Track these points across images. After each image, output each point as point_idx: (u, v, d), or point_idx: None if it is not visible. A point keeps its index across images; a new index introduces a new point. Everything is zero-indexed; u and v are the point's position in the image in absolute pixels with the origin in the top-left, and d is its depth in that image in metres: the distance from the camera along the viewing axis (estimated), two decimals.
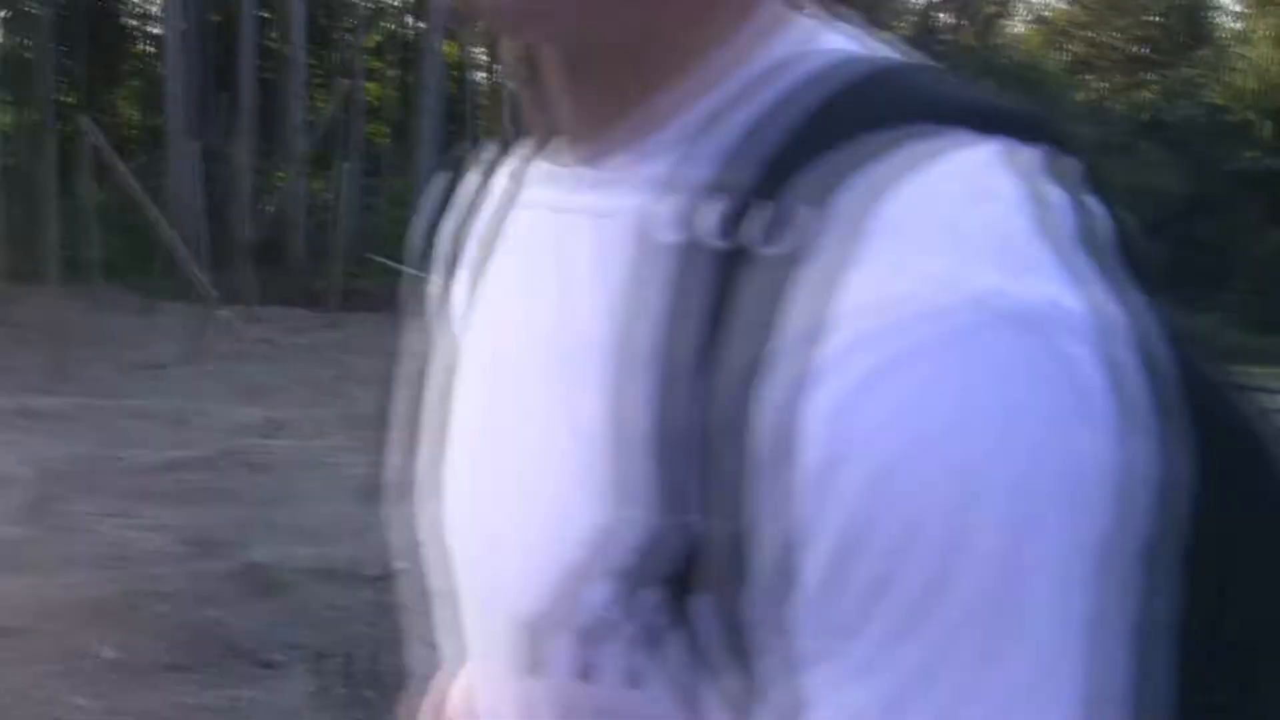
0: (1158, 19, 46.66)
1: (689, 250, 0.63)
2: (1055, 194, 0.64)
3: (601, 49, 0.69)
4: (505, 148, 0.77)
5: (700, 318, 0.60)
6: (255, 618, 6.74)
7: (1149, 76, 45.73)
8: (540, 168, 0.74)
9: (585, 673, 0.65)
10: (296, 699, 5.89)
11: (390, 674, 5.31)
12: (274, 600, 7.00)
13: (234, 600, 7.01)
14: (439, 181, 0.84)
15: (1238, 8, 49.54)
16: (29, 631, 6.40)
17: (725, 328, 0.60)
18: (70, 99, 28.12)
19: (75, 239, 18.25)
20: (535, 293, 0.70)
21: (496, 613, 0.69)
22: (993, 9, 44.96)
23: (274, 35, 29.88)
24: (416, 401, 0.80)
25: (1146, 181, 38.97)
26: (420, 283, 0.83)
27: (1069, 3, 48.96)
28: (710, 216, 0.63)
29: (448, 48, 31.04)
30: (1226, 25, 49.53)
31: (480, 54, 36.24)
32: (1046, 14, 49.85)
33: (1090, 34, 48.16)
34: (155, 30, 32.79)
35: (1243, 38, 47.08)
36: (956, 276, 0.58)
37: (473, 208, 0.80)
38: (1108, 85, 46.61)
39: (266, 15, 29.12)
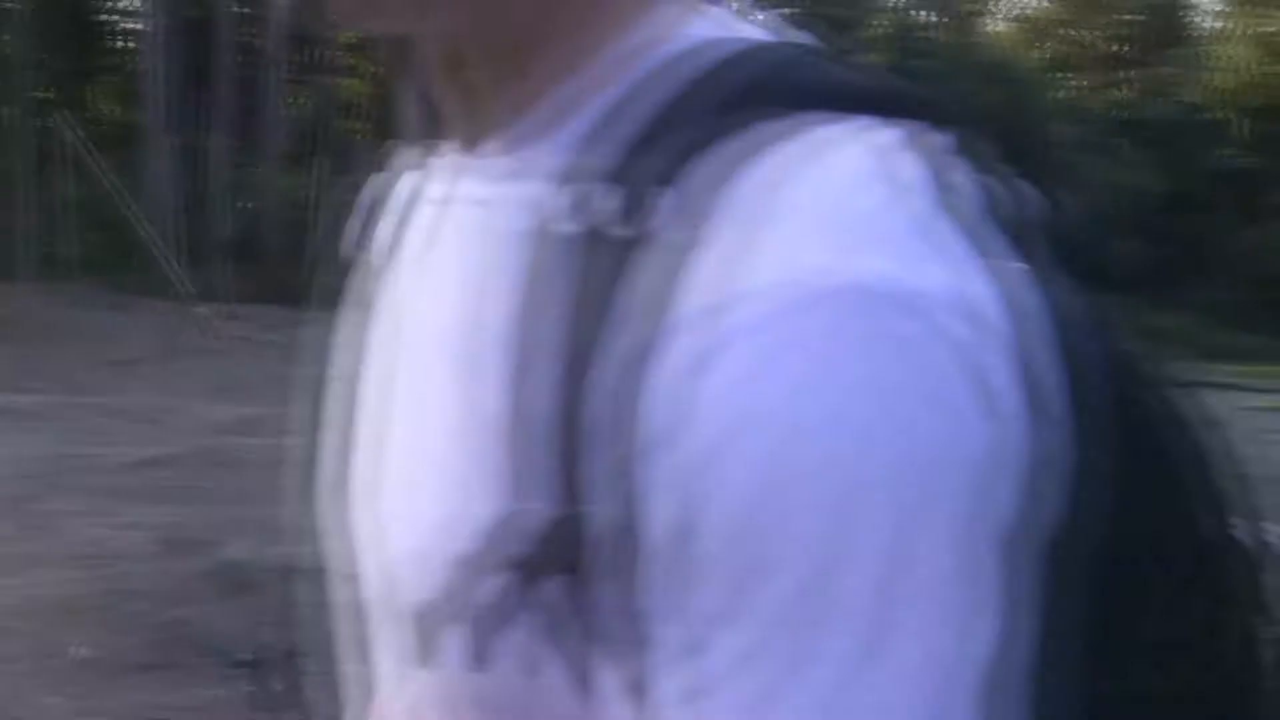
0: (1135, 18, 46.83)
1: (573, 239, 0.63)
2: (910, 172, 0.63)
3: (466, 41, 0.69)
4: (421, 146, 0.77)
5: (588, 306, 0.60)
6: (229, 617, 6.73)
7: (1127, 75, 45.93)
8: (442, 163, 0.75)
9: (480, 663, 0.65)
10: (270, 698, 5.88)
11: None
12: (248, 599, 6.98)
13: (208, 599, 7.00)
14: (368, 179, 0.85)
15: (1215, 7, 49.82)
16: (1, 630, 6.38)
17: (613, 316, 0.59)
18: (47, 94, 28.05)
19: (52, 235, 18.20)
20: (440, 287, 0.71)
21: (394, 606, 0.70)
22: (971, 6, 45.10)
23: (252, 31, 29.87)
24: (339, 399, 0.80)
25: (1124, 179, 39.17)
26: (345, 280, 0.84)
27: (1048, 1, 49.15)
28: (597, 204, 0.63)
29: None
30: (1204, 24, 49.79)
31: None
32: (1025, 12, 50.05)
33: (1069, 32, 48.34)
34: (133, 26, 32.74)
35: (1220, 37, 47.30)
36: (837, 262, 0.57)
37: (392, 205, 0.81)
38: (1086, 83, 46.79)
39: (245, 11, 29.10)
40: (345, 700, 0.83)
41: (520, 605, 0.62)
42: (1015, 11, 50.36)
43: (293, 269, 22.50)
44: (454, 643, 0.65)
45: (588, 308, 0.60)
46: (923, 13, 43.19)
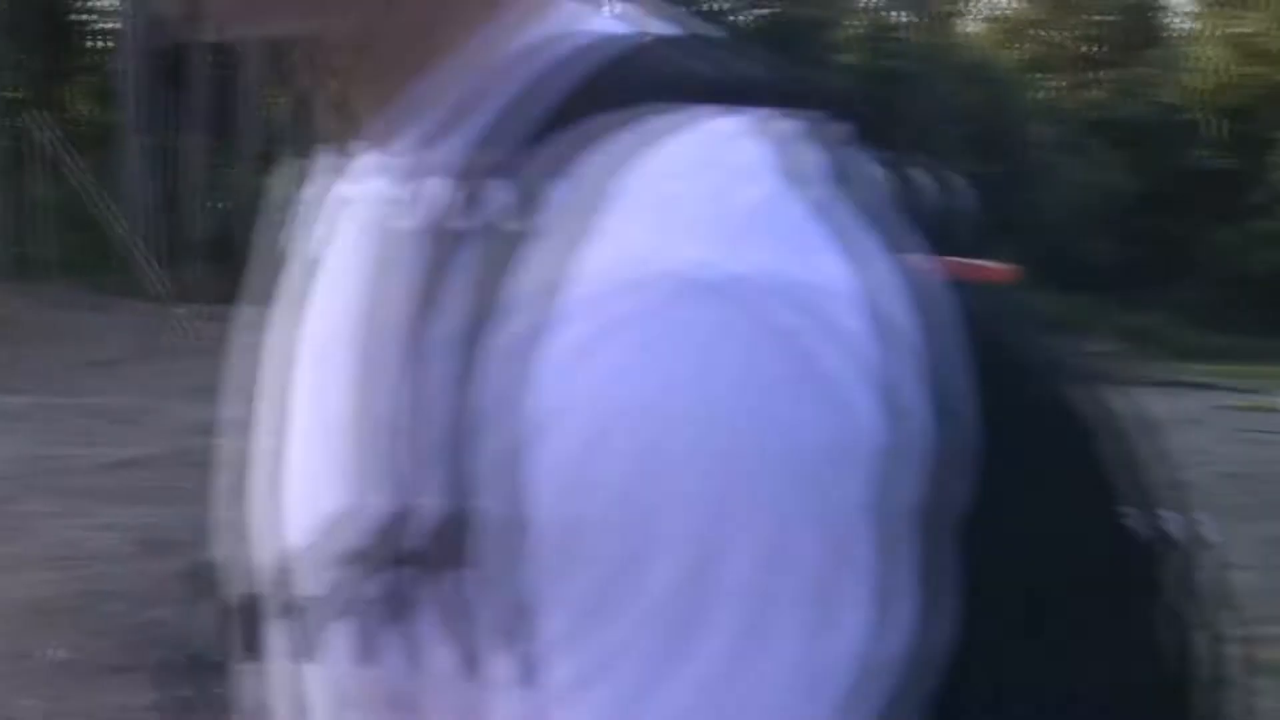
0: (1110, 19, 46.97)
1: (432, 233, 0.64)
2: (813, 162, 0.64)
3: (357, 43, 0.70)
4: (327, 145, 0.78)
5: (477, 300, 0.61)
6: (206, 618, 6.69)
7: (1101, 75, 46.06)
8: (344, 162, 0.75)
9: (368, 658, 0.64)
10: (247, 700, 5.86)
11: None
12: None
13: (185, 601, 6.97)
14: (284, 179, 0.85)
15: (1188, 8, 49.96)
16: None
17: (500, 310, 0.60)
18: (22, 94, 27.91)
19: (28, 236, 18.11)
20: (340, 283, 0.71)
21: (284, 601, 0.70)
22: (946, 7, 45.17)
23: None
24: (256, 397, 0.81)
25: (1098, 179, 39.27)
26: (259, 280, 0.84)
27: (1023, 2, 49.24)
28: (489, 200, 0.63)
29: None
30: (1177, 25, 49.95)
31: None
32: (1000, 13, 50.14)
33: (1043, 33, 48.45)
34: (109, 26, 32.58)
35: (1193, 38, 47.47)
36: (662, 249, 0.57)
37: (304, 202, 0.81)
38: (1060, 84, 46.91)
39: None
40: (244, 699, 0.84)
41: (410, 599, 0.62)
42: (990, 12, 50.51)
43: None
44: (342, 638, 0.66)
45: (477, 302, 0.61)
46: (898, 13, 43.24)
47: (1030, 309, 0.71)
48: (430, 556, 0.60)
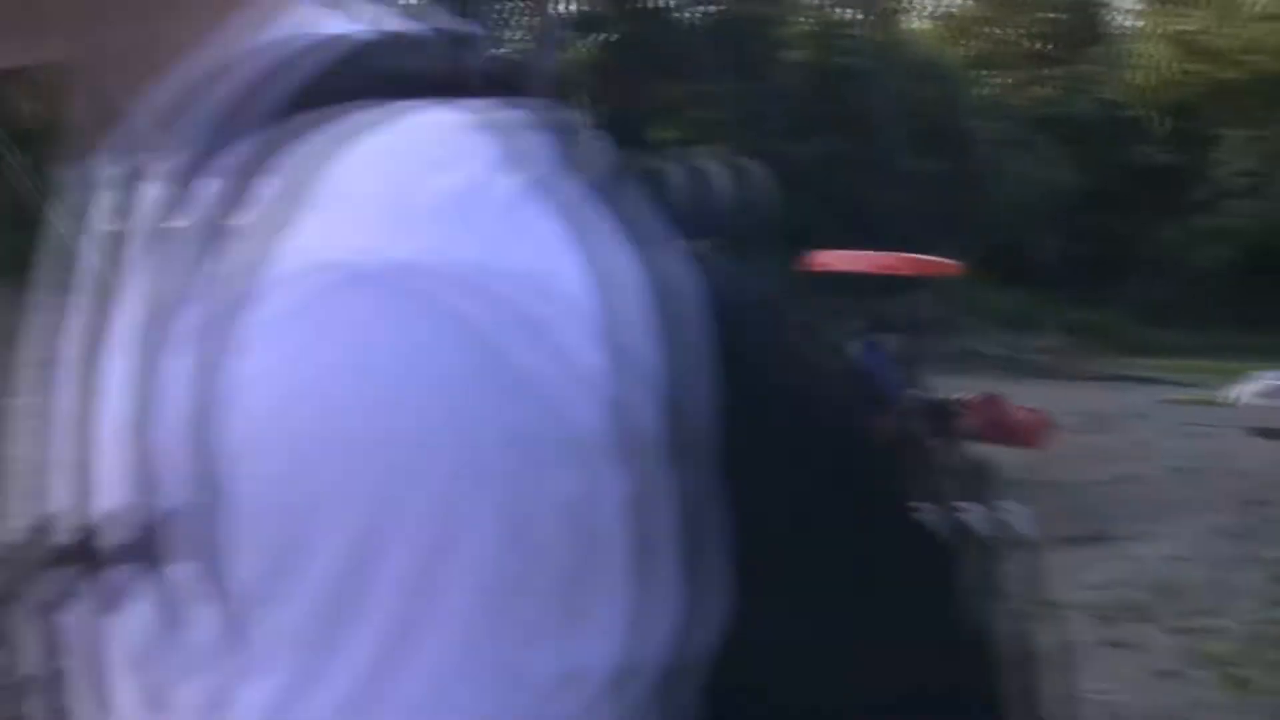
0: (1056, 16, 47.31)
1: (155, 234, 0.65)
2: (527, 151, 0.64)
3: (81, 61, 0.70)
4: (85, 152, 0.79)
5: (177, 297, 0.61)
6: None
7: (1047, 72, 46.38)
8: (96, 169, 0.76)
9: (56, 654, 0.65)
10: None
11: None
12: None
13: None
14: (75, 188, 0.86)
15: (1133, 6, 50.39)
16: None
17: (169, 304, 0.60)
18: None
19: None
20: (84, 286, 0.72)
21: (10, 595, 0.70)
22: (893, 4, 45.38)
23: None
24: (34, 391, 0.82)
25: (1044, 175, 39.54)
26: (61, 268, 0.85)
27: None
28: (170, 199, 0.64)
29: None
30: (1122, 23, 50.37)
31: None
32: (947, 10, 50.42)
33: (990, 30, 48.76)
34: None
35: (1138, 35, 47.88)
36: (334, 239, 0.58)
37: (81, 214, 0.82)
38: (1007, 81, 47.20)
39: None
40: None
41: (127, 594, 0.62)
42: (938, 9, 50.79)
43: None
44: (40, 635, 0.65)
45: (175, 299, 0.60)
46: (846, 11, 43.41)
47: (756, 289, 0.72)
48: (145, 550, 0.60)
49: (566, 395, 0.58)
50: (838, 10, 43.35)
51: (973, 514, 0.75)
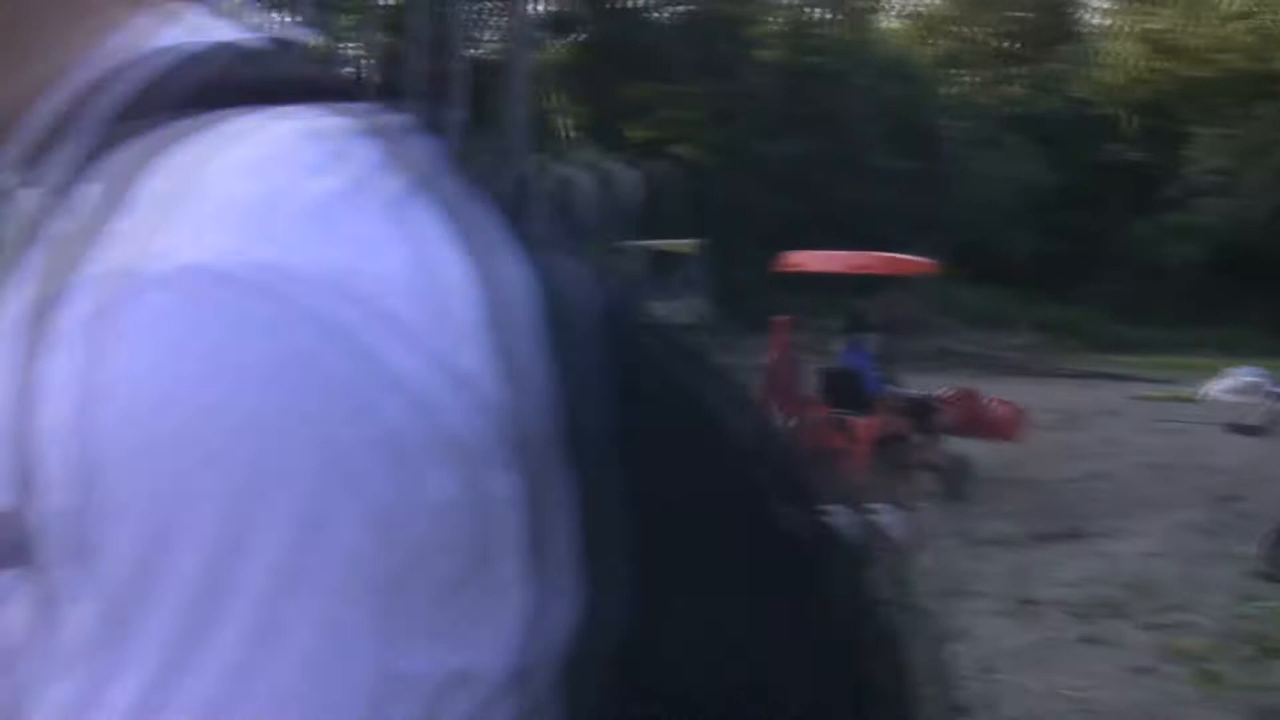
0: (1025, 14, 47.47)
1: (34, 239, 0.64)
2: (408, 156, 0.64)
3: None
4: None
5: (33, 301, 0.60)
6: None
7: (1017, 71, 46.54)
8: None
9: None
10: None
11: None
12: None
13: None
14: None
15: (1102, 4, 50.60)
16: None
17: (45, 307, 0.59)
18: None
19: None
20: None
21: None
22: (864, 4, 45.48)
23: None
24: None
25: (1015, 174, 39.67)
26: None
27: None
28: (36, 203, 0.65)
29: (312, 43, 30.73)
30: (1091, 21, 50.57)
31: (350, 49, 35.97)
32: (917, 9, 50.56)
33: (960, 29, 48.90)
34: None
35: (1107, 33, 48.07)
36: (164, 244, 0.58)
37: None
38: (977, 79, 47.35)
39: None
40: None
41: None
42: (907, 8, 50.93)
43: None
44: None
45: (52, 301, 0.60)
46: (816, 10, 43.50)
47: (629, 292, 0.72)
48: (20, 551, 0.59)
49: (441, 397, 0.58)
50: (808, 9, 43.43)
51: (846, 518, 0.75)
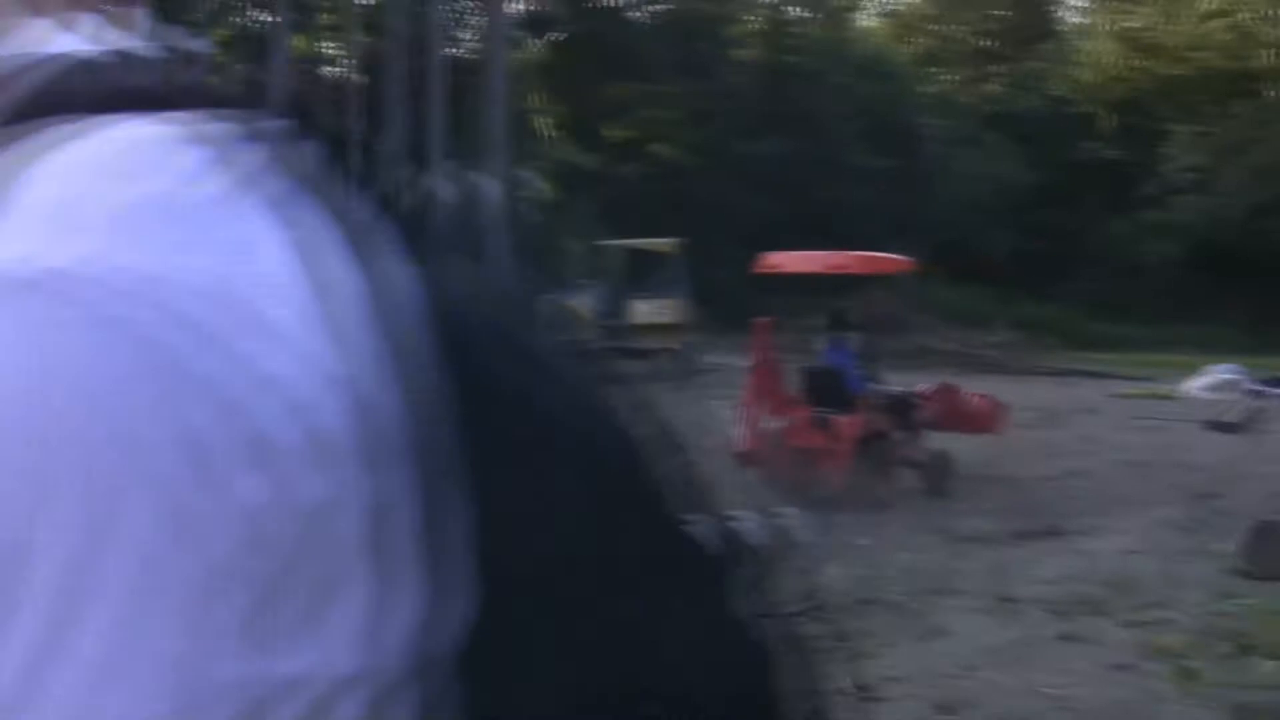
0: (1003, 13, 47.58)
1: None
2: (238, 162, 0.64)
3: None
4: None
5: None
6: None
7: (995, 70, 46.63)
8: None
9: None
10: None
11: None
12: None
13: None
14: None
15: (1080, 3, 50.75)
16: None
17: None
18: None
19: None
20: None
21: None
22: (843, 3, 45.53)
23: None
24: None
25: (993, 172, 39.74)
26: None
27: None
28: None
29: (297, 42, 30.77)
30: (1069, 20, 50.71)
31: (330, 49, 35.91)
32: (895, 7, 50.63)
33: (938, 27, 48.99)
34: None
35: (1085, 32, 48.21)
36: (41, 249, 0.57)
37: None
38: (955, 78, 47.44)
39: None
40: None
41: None
42: (886, 7, 51.01)
43: None
44: None
45: None
46: (795, 9, 43.52)
47: (498, 294, 0.73)
48: None
49: (247, 401, 0.57)
50: (787, 9, 43.44)
51: (746, 521, 0.75)
